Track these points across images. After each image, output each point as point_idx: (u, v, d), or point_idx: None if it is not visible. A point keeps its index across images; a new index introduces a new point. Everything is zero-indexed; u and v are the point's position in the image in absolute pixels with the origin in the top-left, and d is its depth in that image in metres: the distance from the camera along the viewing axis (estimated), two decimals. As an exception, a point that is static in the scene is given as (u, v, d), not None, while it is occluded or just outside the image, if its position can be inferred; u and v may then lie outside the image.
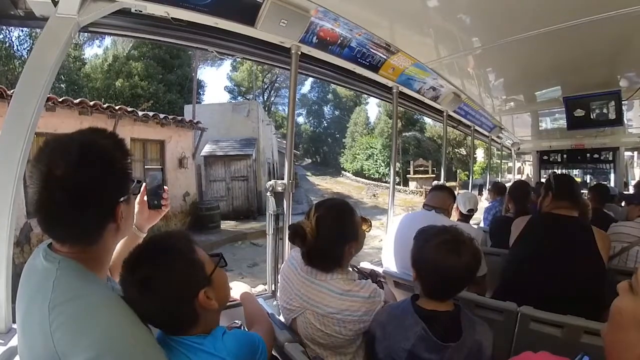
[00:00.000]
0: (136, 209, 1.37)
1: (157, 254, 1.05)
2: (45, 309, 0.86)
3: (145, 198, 1.40)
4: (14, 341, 1.33)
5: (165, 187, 1.45)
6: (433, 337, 1.27)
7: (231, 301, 1.84)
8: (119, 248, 1.27)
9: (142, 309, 0.98)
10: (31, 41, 18.17)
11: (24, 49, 19.03)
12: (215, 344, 1.05)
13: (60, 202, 0.90)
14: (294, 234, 1.53)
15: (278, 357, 1.50)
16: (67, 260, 0.95)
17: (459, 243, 1.35)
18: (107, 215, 0.98)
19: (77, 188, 0.90)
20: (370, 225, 1.67)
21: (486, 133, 6.10)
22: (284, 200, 2.23)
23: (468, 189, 6.63)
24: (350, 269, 1.64)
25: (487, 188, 6.35)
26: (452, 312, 1.36)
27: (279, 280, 1.77)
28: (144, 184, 1.40)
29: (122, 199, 1.01)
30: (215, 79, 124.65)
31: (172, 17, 1.80)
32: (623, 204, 4.82)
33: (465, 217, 3.45)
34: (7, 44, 18.64)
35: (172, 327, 1.06)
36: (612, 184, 6.25)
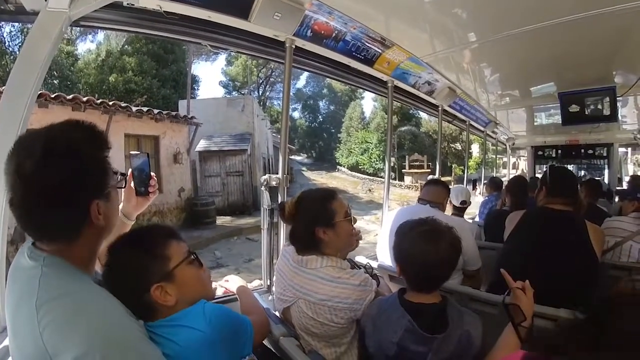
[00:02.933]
0: (123, 196, 1.36)
1: (120, 246, 1.09)
2: (32, 308, 0.85)
3: (132, 185, 1.36)
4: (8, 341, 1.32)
5: (152, 173, 1.41)
6: (419, 329, 1.28)
7: (228, 295, 1.85)
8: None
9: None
10: (23, 37, 17.94)
11: (15, 44, 18.83)
12: (194, 316, 1.05)
13: (29, 202, 0.89)
14: (279, 209, 1.74)
15: (274, 350, 1.51)
16: (51, 258, 0.93)
17: (435, 233, 1.37)
18: (80, 214, 0.94)
19: (45, 188, 0.87)
20: (350, 214, 1.69)
21: (481, 128, 6.11)
22: (279, 195, 2.23)
23: (463, 184, 6.65)
24: (344, 260, 1.67)
25: (484, 182, 6.37)
26: (439, 304, 1.37)
27: (275, 276, 1.78)
28: (130, 170, 1.36)
29: (97, 196, 0.97)
30: (210, 74, 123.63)
31: (164, 11, 1.79)
32: (617, 199, 4.84)
33: (459, 210, 3.47)
34: (-1, 40, 18.45)
35: (139, 315, 1.05)
36: (606, 179, 6.27)
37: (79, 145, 0.93)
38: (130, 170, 1.36)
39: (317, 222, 1.58)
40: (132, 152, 1.45)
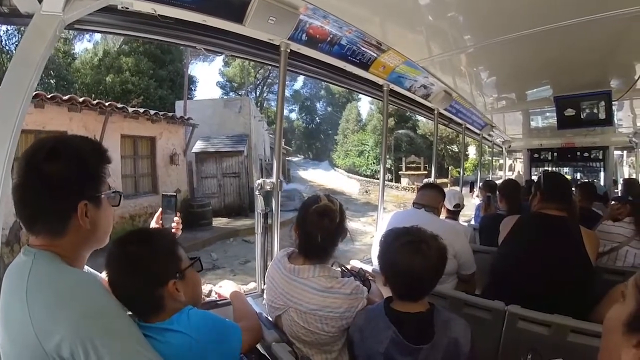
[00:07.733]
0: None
1: (147, 236, 1.22)
2: (23, 297, 0.91)
3: (161, 221, 1.59)
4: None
5: (177, 212, 1.61)
6: (404, 340, 1.27)
7: (221, 300, 1.85)
8: None
9: (121, 286, 1.10)
10: (19, 36, 17.84)
11: (12, 43, 18.73)
12: (179, 320, 1.11)
13: (28, 187, 1.00)
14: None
15: (267, 356, 1.51)
16: (42, 252, 1.00)
17: (420, 243, 1.35)
18: (68, 208, 1.03)
19: (44, 177, 0.98)
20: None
21: (477, 131, 6.13)
22: (273, 199, 2.23)
23: (459, 186, 6.66)
24: (333, 267, 1.67)
25: (479, 185, 6.37)
26: (425, 312, 1.36)
27: (266, 281, 1.78)
28: (159, 210, 1.60)
29: (88, 197, 1.05)
30: (207, 75, 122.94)
31: (159, 15, 1.78)
32: (612, 203, 4.84)
33: (453, 214, 3.46)
34: (-6, 39, 18.34)
35: (142, 310, 1.14)
36: (601, 182, 6.30)
37: (83, 152, 1.07)
38: (160, 209, 1.60)
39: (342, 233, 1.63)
40: (163, 194, 1.66)
